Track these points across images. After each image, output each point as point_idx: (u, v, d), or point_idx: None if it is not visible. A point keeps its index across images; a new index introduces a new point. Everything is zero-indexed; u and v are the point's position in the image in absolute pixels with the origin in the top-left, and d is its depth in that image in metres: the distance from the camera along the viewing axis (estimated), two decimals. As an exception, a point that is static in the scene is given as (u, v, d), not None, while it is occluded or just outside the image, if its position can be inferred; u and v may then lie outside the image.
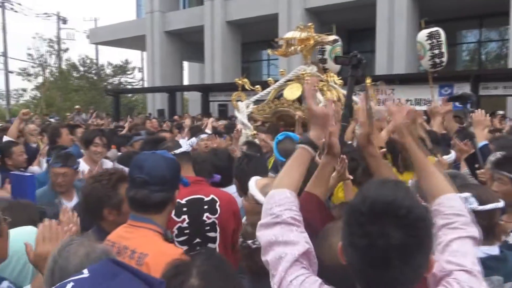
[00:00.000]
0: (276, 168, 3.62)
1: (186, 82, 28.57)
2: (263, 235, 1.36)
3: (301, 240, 1.30)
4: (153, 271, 1.62)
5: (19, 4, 34.36)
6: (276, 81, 5.81)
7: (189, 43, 24.56)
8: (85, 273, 0.95)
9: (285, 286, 1.23)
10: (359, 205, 1.07)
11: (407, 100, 13.61)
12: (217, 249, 2.53)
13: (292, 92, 5.48)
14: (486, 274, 1.71)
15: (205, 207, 2.55)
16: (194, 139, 3.70)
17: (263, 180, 2.26)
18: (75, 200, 3.45)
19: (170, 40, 24.10)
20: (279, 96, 5.59)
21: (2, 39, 31.82)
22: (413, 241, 1.03)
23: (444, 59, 7.68)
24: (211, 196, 2.59)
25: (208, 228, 2.54)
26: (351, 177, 2.57)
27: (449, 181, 1.49)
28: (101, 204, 2.17)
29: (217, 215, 2.55)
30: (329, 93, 5.30)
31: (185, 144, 2.92)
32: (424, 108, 12.07)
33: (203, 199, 2.57)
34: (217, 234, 2.55)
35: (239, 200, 2.85)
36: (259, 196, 2.11)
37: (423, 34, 7.77)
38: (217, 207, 2.57)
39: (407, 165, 3.34)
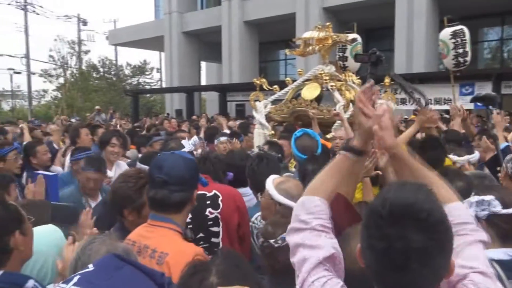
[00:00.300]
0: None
1: (203, 82, 28.74)
2: (291, 238, 1.38)
3: (327, 245, 1.31)
4: (173, 270, 1.64)
5: (41, 6, 35.05)
6: (294, 81, 5.80)
7: (206, 43, 24.70)
8: (90, 267, 0.98)
9: (306, 286, 1.24)
10: (378, 207, 1.06)
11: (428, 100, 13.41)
12: (221, 243, 2.59)
13: (310, 92, 5.46)
14: (511, 277, 1.68)
15: (208, 202, 2.61)
16: (196, 138, 3.71)
17: (280, 179, 2.42)
18: (99, 200, 3.51)
19: (188, 41, 24.27)
20: (297, 96, 5.58)
21: (25, 41, 32.58)
22: (433, 244, 1.02)
23: (468, 58, 7.50)
24: (214, 191, 2.65)
25: (210, 222, 2.59)
26: (379, 172, 2.54)
27: (451, 188, 1.46)
28: (123, 204, 2.25)
29: (219, 210, 2.61)
30: (348, 93, 5.26)
31: (188, 144, 2.97)
32: (445, 107, 11.91)
33: (205, 194, 2.62)
34: (220, 229, 2.61)
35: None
36: (273, 191, 2.27)
37: (446, 32, 7.57)
38: (219, 202, 2.63)
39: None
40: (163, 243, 1.82)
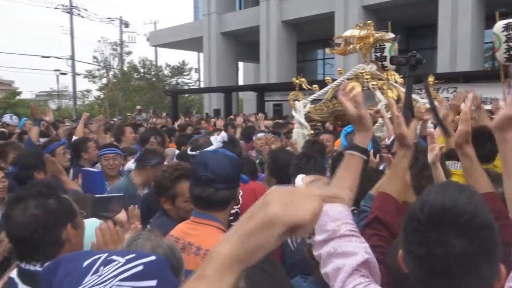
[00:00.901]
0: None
1: (241, 82, 28.89)
2: (322, 250, 1.34)
3: (360, 251, 1.28)
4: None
5: (86, 10, 36.21)
6: (333, 80, 5.73)
7: (244, 43, 24.82)
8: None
9: None
10: (417, 211, 1.02)
11: (472, 99, 12.92)
12: None
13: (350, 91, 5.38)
14: None
15: None
16: (224, 134, 3.73)
17: (309, 177, 2.36)
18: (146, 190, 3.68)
19: (226, 41, 24.47)
20: (336, 95, 5.52)
21: (70, 43, 33.83)
22: (476, 249, 0.96)
23: (522, 51, 7.25)
24: None
25: (231, 218, 2.59)
26: None
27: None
28: (160, 192, 2.49)
29: (239, 205, 2.62)
30: (390, 92, 5.15)
31: (216, 141, 3.00)
32: (489, 107, 11.46)
33: None
34: None
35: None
36: None
37: (499, 25, 7.39)
38: (240, 197, 2.63)
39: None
40: (208, 240, 1.82)
